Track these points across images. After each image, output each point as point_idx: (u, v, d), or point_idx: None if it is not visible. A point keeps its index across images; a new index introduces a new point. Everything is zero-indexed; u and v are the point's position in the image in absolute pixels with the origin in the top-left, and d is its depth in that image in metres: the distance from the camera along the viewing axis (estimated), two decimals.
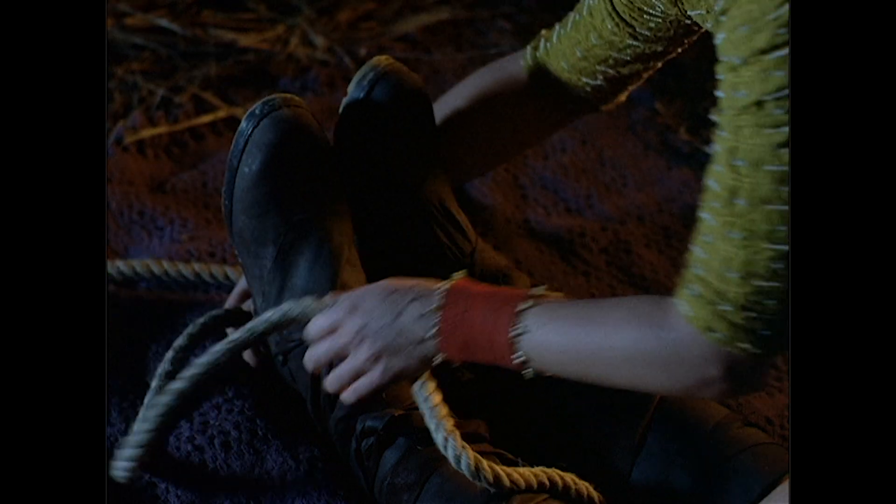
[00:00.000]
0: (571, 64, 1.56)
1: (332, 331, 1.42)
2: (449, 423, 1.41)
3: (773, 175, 1.13)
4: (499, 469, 1.38)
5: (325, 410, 1.51)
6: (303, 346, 1.49)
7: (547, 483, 1.40)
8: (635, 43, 1.50)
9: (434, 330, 1.37)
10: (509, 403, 1.54)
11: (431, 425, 1.40)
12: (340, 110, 1.60)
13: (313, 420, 1.54)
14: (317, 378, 1.50)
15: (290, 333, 1.53)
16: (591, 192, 2.12)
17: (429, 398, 1.42)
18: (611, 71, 1.55)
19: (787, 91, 1.10)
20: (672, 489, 1.43)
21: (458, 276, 1.41)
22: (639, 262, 1.94)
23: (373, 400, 1.44)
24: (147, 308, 1.78)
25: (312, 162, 1.53)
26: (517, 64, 1.64)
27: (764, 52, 1.12)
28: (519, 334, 1.33)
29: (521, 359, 1.34)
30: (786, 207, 1.13)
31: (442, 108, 1.65)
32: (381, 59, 1.59)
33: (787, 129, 1.11)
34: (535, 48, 1.61)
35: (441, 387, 1.44)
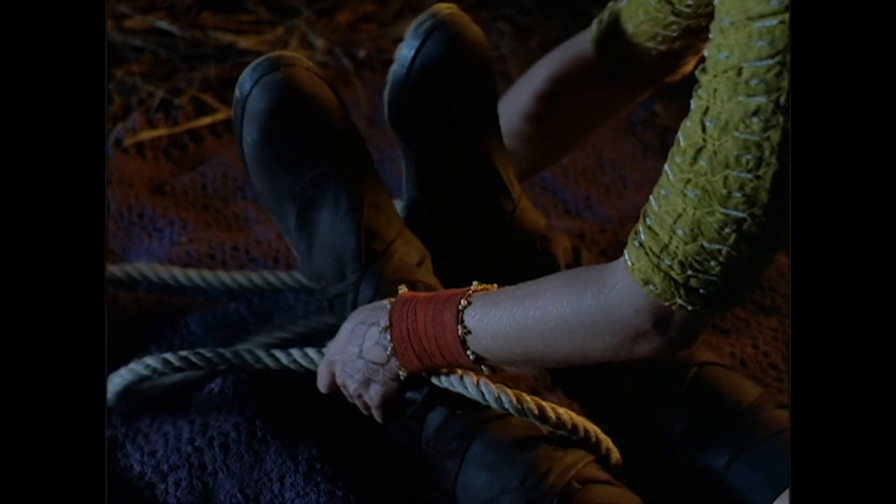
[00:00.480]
0: (629, 37, 1.58)
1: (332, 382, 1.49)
2: (476, 376, 1.43)
3: (739, 141, 1.12)
4: (542, 402, 1.40)
5: None
6: (342, 298, 1.54)
7: (581, 431, 1.41)
8: (678, 19, 1.51)
9: (390, 349, 1.40)
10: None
11: (464, 381, 1.42)
12: (395, 56, 1.56)
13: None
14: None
15: (328, 286, 1.55)
16: (590, 194, 2.12)
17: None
18: (662, 47, 1.56)
19: (768, 63, 1.09)
20: (706, 471, 1.43)
21: (402, 289, 1.44)
22: None
23: (396, 410, 1.48)
24: (146, 311, 1.79)
25: (313, 120, 1.51)
26: (584, 40, 1.65)
27: (752, 18, 1.10)
28: (465, 333, 1.34)
29: (472, 357, 1.35)
30: (747, 176, 1.13)
31: (514, 96, 1.67)
32: (443, 7, 1.55)
33: (761, 100, 1.10)
34: (600, 21, 1.63)
35: None
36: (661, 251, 1.19)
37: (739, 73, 1.12)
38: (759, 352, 1.75)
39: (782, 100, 1.10)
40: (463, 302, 1.35)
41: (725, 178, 1.14)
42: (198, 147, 2.23)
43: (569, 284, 1.28)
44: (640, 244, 1.20)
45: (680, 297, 1.19)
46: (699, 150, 1.15)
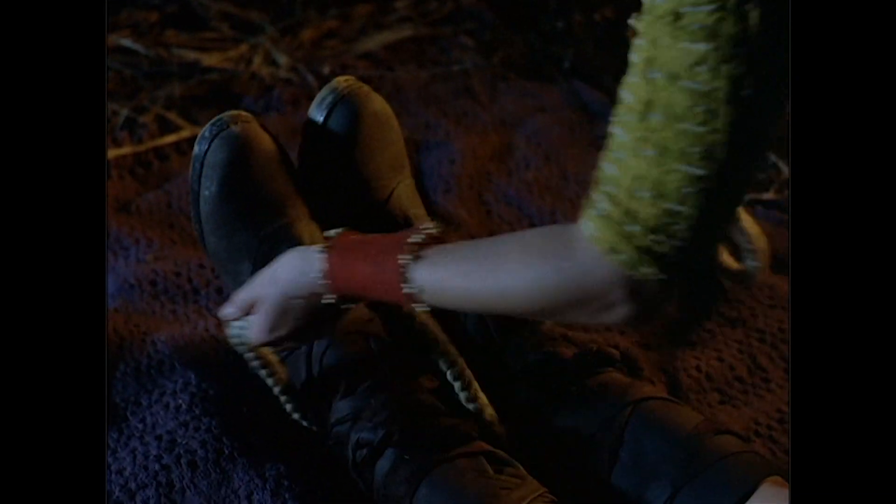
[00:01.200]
0: None
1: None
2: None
3: (689, 93, 1.07)
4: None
5: (323, 419, 1.54)
6: (295, 353, 1.55)
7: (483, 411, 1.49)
8: None
9: (319, 267, 1.37)
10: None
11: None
12: (302, 132, 1.61)
13: (313, 427, 1.56)
14: (314, 384, 1.53)
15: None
16: (555, 209, 2.12)
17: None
18: None
19: (708, 7, 1.05)
20: (648, 502, 1.43)
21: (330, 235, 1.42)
22: None
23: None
24: (112, 330, 1.78)
25: (269, 174, 1.54)
26: None
27: None
28: (412, 290, 1.30)
29: (412, 290, 1.31)
30: (701, 129, 1.08)
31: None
32: (341, 81, 1.59)
33: (704, 47, 1.06)
34: None
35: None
36: (624, 217, 1.14)
37: (679, 18, 1.07)
38: (724, 364, 1.76)
39: (728, 48, 1.06)
40: (407, 257, 1.30)
41: (679, 132, 1.09)
42: (163, 165, 2.23)
43: (528, 254, 1.23)
44: (601, 213, 1.16)
45: (646, 265, 1.15)
46: (650, 105, 1.10)
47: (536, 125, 2.35)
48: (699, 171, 1.10)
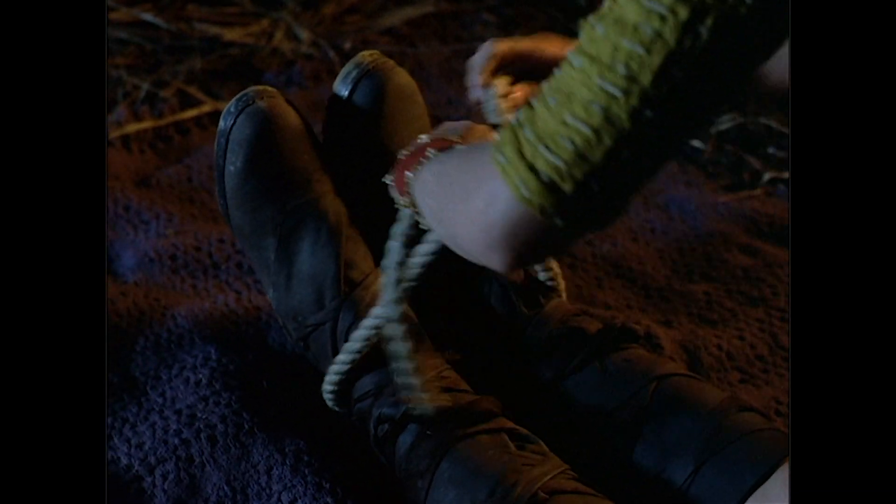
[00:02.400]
0: None
1: None
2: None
3: (646, 10, 0.99)
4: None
5: (347, 396, 1.53)
6: (320, 328, 1.54)
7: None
8: None
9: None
10: (509, 382, 1.55)
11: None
12: (326, 107, 1.61)
13: (337, 406, 1.56)
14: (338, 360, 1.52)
15: (306, 318, 1.56)
16: None
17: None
18: None
19: None
20: (670, 477, 1.42)
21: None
22: (626, 255, 1.94)
23: None
24: (132, 304, 1.78)
25: (294, 149, 1.55)
26: None
27: None
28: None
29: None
30: (638, 50, 0.99)
31: None
32: (366, 56, 1.60)
33: None
34: None
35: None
36: (524, 121, 1.07)
37: None
38: (745, 343, 1.76)
39: None
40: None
41: (615, 46, 1.00)
42: (183, 139, 2.23)
43: (468, 162, 1.19)
44: (514, 120, 1.08)
45: (520, 174, 1.06)
46: (600, 18, 1.02)
47: None
48: (616, 91, 1.01)
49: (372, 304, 1.52)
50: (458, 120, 1.42)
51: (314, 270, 1.54)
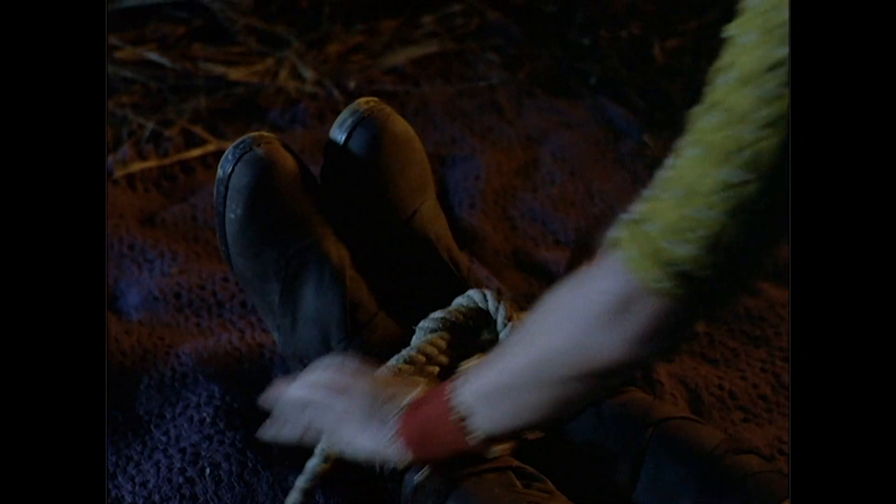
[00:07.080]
0: None
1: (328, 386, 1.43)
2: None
3: (756, 98, 1.04)
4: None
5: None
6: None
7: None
8: None
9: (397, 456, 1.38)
10: None
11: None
12: (323, 153, 1.60)
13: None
14: None
15: (312, 361, 1.53)
16: (579, 225, 2.12)
17: None
18: None
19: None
20: None
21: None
22: None
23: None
24: (137, 342, 1.79)
25: (294, 194, 1.54)
26: None
27: None
28: (462, 417, 1.33)
29: (475, 434, 1.33)
30: (754, 135, 1.04)
31: None
32: (362, 103, 1.59)
33: (783, 52, 1.02)
34: None
35: None
36: (646, 216, 1.12)
37: (771, 19, 1.03)
38: (747, 383, 1.76)
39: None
40: (449, 392, 1.33)
41: (732, 135, 1.06)
42: (188, 178, 2.23)
43: (559, 305, 1.22)
44: (629, 217, 1.14)
45: (654, 270, 1.11)
46: (712, 106, 1.07)
47: (562, 141, 2.35)
48: (739, 177, 1.06)
49: (379, 344, 1.52)
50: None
51: (319, 313, 1.54)
